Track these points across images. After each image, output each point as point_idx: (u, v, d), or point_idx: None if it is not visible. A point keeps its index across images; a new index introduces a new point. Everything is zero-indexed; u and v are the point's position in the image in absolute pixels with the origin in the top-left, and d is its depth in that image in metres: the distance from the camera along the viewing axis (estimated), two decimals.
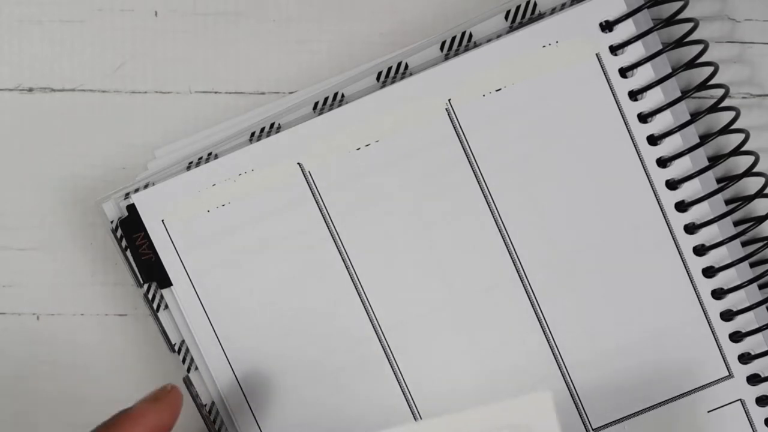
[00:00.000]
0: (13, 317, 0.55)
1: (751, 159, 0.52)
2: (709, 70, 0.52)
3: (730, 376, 0.52)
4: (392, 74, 0.52)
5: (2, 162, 0.54)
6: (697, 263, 0.52)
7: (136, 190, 0.52)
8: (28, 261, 0.54)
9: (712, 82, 0.51)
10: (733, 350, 0.52)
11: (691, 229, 0.52)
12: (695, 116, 0.51)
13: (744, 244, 0.53)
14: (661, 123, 0.51)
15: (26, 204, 0.54)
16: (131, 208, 0.51)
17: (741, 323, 0.52)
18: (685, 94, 0.51)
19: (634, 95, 0.51)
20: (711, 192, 0.52)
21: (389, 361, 0.52)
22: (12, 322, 0.55)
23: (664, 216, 0.52)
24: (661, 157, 0.51)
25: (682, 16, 0.51)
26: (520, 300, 0.52)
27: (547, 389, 0.42)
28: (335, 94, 0.52)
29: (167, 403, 0.46)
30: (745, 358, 0.52)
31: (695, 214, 0.52)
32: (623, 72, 0.51)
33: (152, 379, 0.54)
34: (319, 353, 0.52)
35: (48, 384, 0.54)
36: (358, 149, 0.51)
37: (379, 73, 0.52)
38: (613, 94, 0.51)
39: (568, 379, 0.52)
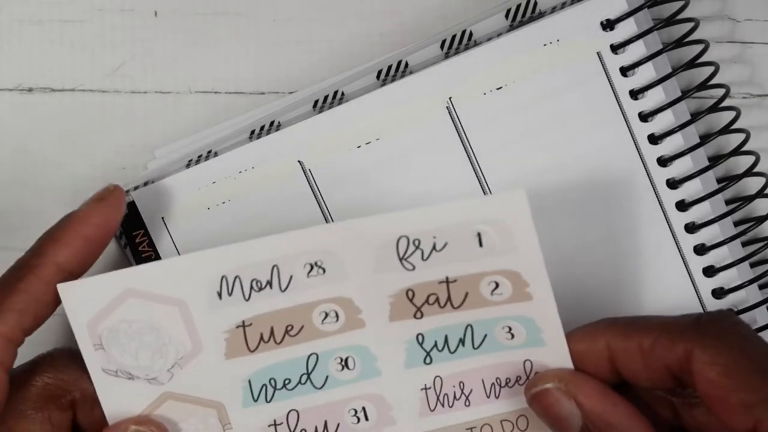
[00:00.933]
0: None
1: (751, 159, 0.52)
2: (710, 69, 0.52)
3: None
4: (392, 73, 0.52)
5: (2, 162, 0.54)
6: (698, 262, 0.52)
7: (136, 188, 0.51)
8: None
9: (713, 82, 0.51)
10: None
11: (691, 228, 0.52)
12: (696, 116, 0.51)
13: (744, 244, 0.53)
14: (662, 122, 0.51)
15: (26, 204, 0.54)
16: (131, 206, 0.51)
17: None
18: (686, 93, 0.51)
19: (635, 94, 0.51)
20: (712, 192, 0.52)
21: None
22: None
23: (664, 215, 0.52)
24: (661, 156, 0.51)
25: (682, 15, 0.51)
26: None
27: (520, 188, 0.42)
28: (335, 93, 0.52)
29: (111, 201, 0.47)
30: None
31: (696, 213, 0.52)
32: (624, 71, 0.51)
33: None
34: None
35: None
36: (358, 147, 0.51)
37: (379, 72, 0.52)
38: (614, 93, 0.51)
39: None
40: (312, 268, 0.44)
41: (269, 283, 0.44)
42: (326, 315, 0.45)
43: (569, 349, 0.44)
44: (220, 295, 0.44)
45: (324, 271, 0.44)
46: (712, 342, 0.41)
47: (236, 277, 0.44)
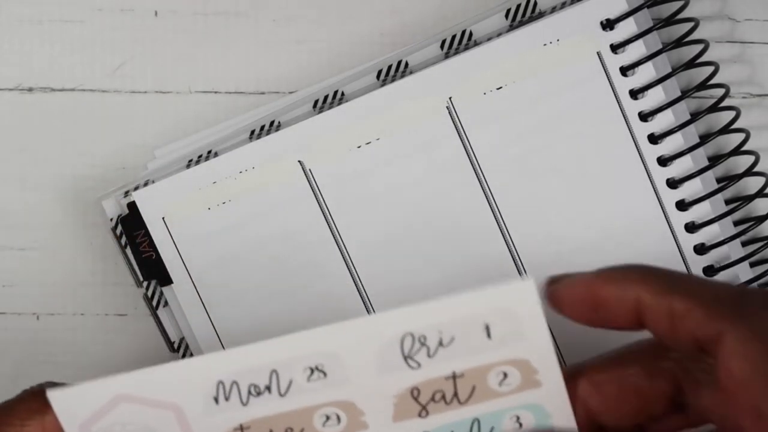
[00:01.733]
0: (13, 317, 0.55)
1: (751, 159, 0.52)
2: (710, 69, 0.52)
3: None
4: (392, 72, 0.52)
5: (2, 162, 0.54)
6: (698, 262, 0.52)
7: (137, 188, 0.51)
8: (28, 261, 0.54)
9: (713, 81, 0.51)
10: None
11: (691, 228, 0.52)
12: (696, 116, 0.51)
13: (744, 243, 0.53)
14: (661, 122, 0.51)
15: (26, 204, 0.54)
16: (132, 206, 0.51)
17: None
18: (686, 93, 0.51)
19: (635, 94, 0.51)
20: (712, 192, 0.52)
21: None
22: (12, 322, 0.55)
23: (665, 215, 0.52)
24: (661, 156, 0.51)
25: (682, 15, 0.51)
26: None
27: (529, 277, 0.41)
28: (335, 93, 0.52)
29: None
30: None
31: (696, 213, 0.52)
32: (624, 70, 0.51)
33: None
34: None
35: None
36: (358, 147, 0.51)
37: (379, 72, 0.52)
38: (614, 93, 0.51)
39: None
40: (312, 372, 0.42)
41: (268, 388, 0.42)
42: (327, 418, 0.43)
43: (593, 291, 0.41)
44: (216, 400, 0.42)
45: (325, 375, 0.42)
46: (749, 330, 0.37)
47: (233, 383, 0.42)
